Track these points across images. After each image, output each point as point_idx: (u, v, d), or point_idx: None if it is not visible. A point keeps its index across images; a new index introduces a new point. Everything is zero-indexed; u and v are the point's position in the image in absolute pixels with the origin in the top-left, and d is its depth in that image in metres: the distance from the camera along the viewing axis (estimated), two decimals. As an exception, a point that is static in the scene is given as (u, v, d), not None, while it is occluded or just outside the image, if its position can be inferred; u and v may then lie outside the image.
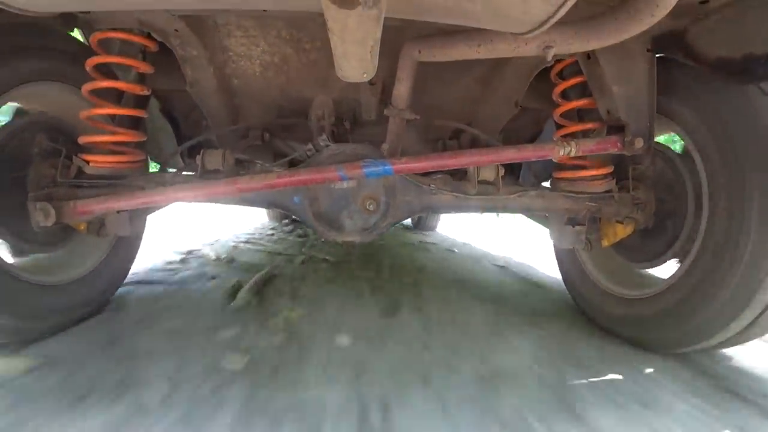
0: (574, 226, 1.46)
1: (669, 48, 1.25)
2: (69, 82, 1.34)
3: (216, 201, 1.42)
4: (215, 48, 1.39)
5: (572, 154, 1.28)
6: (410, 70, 1.29)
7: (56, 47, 1.31)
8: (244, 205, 1.44)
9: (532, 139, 2.04)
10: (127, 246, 1.69)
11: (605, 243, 1.54)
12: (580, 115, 1.48)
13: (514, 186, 1.46)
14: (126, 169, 1.39)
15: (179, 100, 1.78)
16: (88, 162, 1.34)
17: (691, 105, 1.29)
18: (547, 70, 1.48)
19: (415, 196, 1.42)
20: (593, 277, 1.70)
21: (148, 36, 1.30)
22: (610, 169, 1.45)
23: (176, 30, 1.28)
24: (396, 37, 1.25)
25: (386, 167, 1.26)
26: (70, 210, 1.28)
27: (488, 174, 1.41)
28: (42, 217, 1.25)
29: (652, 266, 1.53)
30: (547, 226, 1.64)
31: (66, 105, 1.39)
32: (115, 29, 1.26)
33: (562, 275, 1.94)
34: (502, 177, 1.43)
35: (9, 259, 1.33)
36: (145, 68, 1.33)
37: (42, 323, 1.29)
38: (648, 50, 1.26)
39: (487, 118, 1.74)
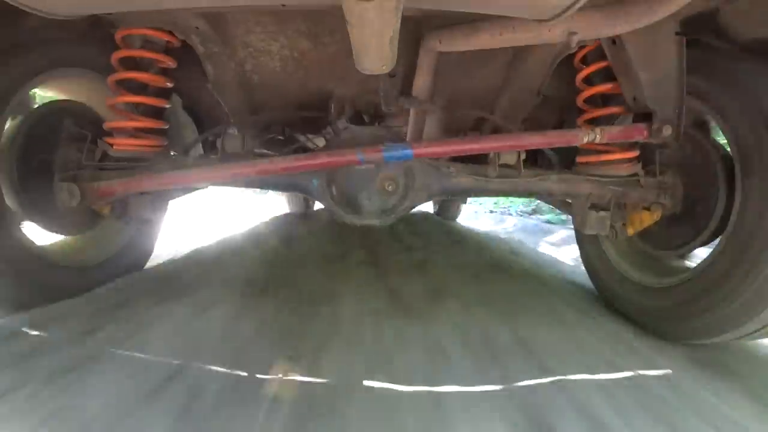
0: (597, 212, 1.42)
1: (700, 30, 1.20)
2: (95, 69, 1.38)
3: (235, 185, 1.43)
4: (235, 44, 1.40)
5: (597, 141, 1.25)
6: (431, 61, 1.28)
7: (83, 35, 1.35)
8: (263, 188, 1.46)
9: (555, 128, 2.00)
10: (149, 230, 1.75)
11: (630, 230, 1.49)
12: (604, 99, 1.44)
13: (535, 169, 1.43)
14: (149, 152, 1.43)
15: (201, 97, 1.80)
16: (112, 145, 1.38)
17: (723, 85, 1.23)
18: (570, 57, 1.45)
19: (434, 179, 1.40)
20: (617, 264, 1.66)
21: (171, 32, 1.32)
22: (635, 153, 1.41)
23: (197, 27, 1.29)
24: (415, 27, 1.24)
25: (406, 151, 1.25)
26: (95, 191, 1.32)
27: (509, 158, 1.38)
28: (67, 197, 1.29)
29: (678, 254, 1.49)
30: (568, 213, 1.60)
31: (92, 91, 1.43)
32: (138, 27, 1.29)
33: (584, 263, 1.89)
34: (523, 161, 1.40)
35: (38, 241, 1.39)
36: (168, 62, 1.37)
37: None
38: (677, 33, 1.21)
39: (509, 108, 1.71)
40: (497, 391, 1.01)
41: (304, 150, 1.68)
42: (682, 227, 1.42)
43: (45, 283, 1.29)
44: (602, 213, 1.42)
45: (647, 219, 1.44)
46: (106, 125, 1.38)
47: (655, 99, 1.25)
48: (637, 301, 1.52)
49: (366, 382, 1.01)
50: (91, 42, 1.37)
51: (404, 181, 1.38)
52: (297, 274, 1.88)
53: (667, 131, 1.24)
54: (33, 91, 1.32)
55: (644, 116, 1.29)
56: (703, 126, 1.38)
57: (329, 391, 0.97)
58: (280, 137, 1.75)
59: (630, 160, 1.40)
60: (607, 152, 1.42)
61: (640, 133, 1.27)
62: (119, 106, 1.36)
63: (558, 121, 1.98)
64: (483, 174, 1.40)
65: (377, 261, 2.19)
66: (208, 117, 1.91)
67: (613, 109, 1.37)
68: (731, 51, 1.21)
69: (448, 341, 1.24)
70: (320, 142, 1.81)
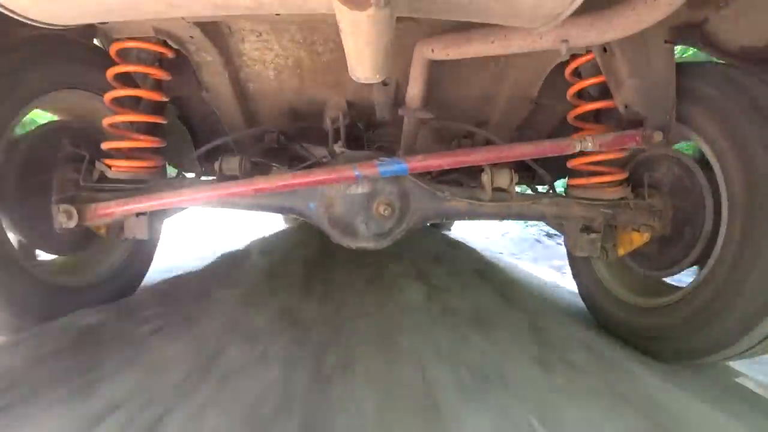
0: (589, 234, 1.44)
1: (688, 38, 1.22)
2: (92, 89, 1.38)
3: (232, 206, 1.43)
4: (230, 53, 1.41)
5: (589, 149, 1.26)
6: (424, 69, 1.29)
7: (81, 56, 1.36)
8: (260, 210, 1.46)
9: (549, 136, 2.01)
10: (145, 250, 1.74)
11: (621, 251, 1.51)
12: (596, 116, 1.46)
13: (528, 193, 1.45)
14: (146, 174, 1.43)
15: (196, 106, 1.81)
16: (110, 167, 1.38)
17: (710, 113, 1.25)
18: (563, 66, 1.46)
19: (429, 203, 1.41)
20: (608, 285, 1.66)
21: (165, 44, 1.33)
22: (625, 175, 1.43)
23: (191, 37, 1.30)
24: (409, 36, 1.25)
25: (401, 165, 1.26)
26: (92, 212, 1.32)
27: (502, 181, 1.40)
28: (65, 218, 1.29)
29: (668, 275, 1.49)
30: (562, 233, 1.61)
31: (89, 112, 1.43)
32: (132, 38, 1.30)
33: (577, 283, 1.90)
34: (516, 183, 1.42)
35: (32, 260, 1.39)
36: (162, 75, 1.37)
37: None
38: (666, 41, 1.23)
39: (502, 116, 1.72)
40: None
41: (300, 160, 1.69)
42: (672, 248, 1.43)
43: (37, 302, 1.27)
44: (593, 235, 1.44)
45: (637, 240, 1.46)
46: (104, 146, 1.38)
47: (646, 106, 1.26)
48: (629, 321, 1.52)
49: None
50: (88, 63, 1.38)
51: (400, 205, 1.39)
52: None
53: (658, 137, 1.25)
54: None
55: (636, 124, 1.30)
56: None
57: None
58: (275, 145, 1.76)
59: (620, 182, 1.42)
60: (597, 174, 1.43)
61: (633, 140, 1.28)
62: (117, 125, 1.37)
63: (552, 129, 2.00)
64: (477, 197, 1.41)
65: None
66: (203, 126, 1.91)
67: (606, 128, 1.38)
68: (711, 73, 1.23)
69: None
70: (315, 150, 1.81)
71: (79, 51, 1.35)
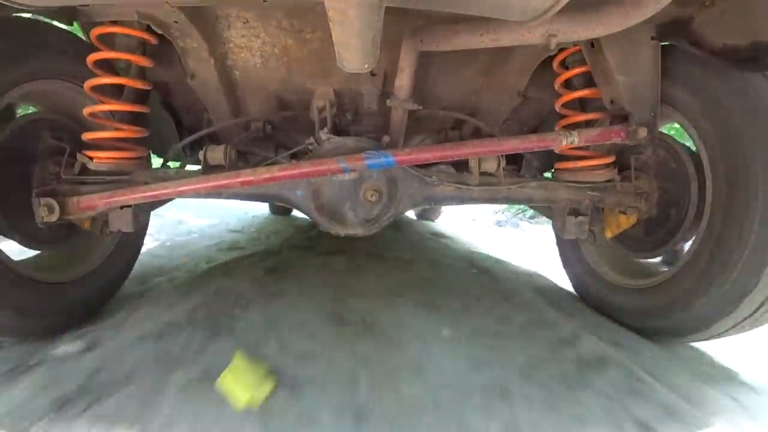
0: (576, 217, 1.46)
1: (674, 36, 1.23)
2: (71, 80, 1.34)
3: (218, 196, 1.41)
4: (215, 40, 1.38)
5: (575, 144, 1.27)
6: (412, 60, 1.28)
7: (58, 45, 1.31)
8: (246, 199, 1.44)
9: (535, 129, 2.03)
10: (131, 242, 1.70)
11: (608, 234, 1.53)
12: (582, 105, 1.47)
13: (516, 177, 1.46)
14: (129, 165, 1.40)
15: (180, 93, 1.77)
16: (91, 159, 1.34)
17: (694, 93, 1.27)
18: (550, 59, 1.47)
19: (417, 188, 1.41)
20: (596, 266, 1.69)
21: (148, 29, 1.30)
22: (611, 159, 1.45)
23: (176, 22, 1.27)
24: (398, 26, 1.24)
25: (388, 158, 1.26)
26: (74, 205, 1.29)
27: (490, 165, 1.40)
28: (46, 212, 1.25)
29: (654, 256, 1.53)
30: (549, 217, 1.63)
31: (69, 103, 1.39)
32: (114, 23, 1.26)
33: (564, 266, 1.93)
34: (504, 168, 1.42)
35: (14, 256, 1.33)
36: (145, 62, 1.34)
37: (45, 321, 1.29)
38: (653, 38, 1.24)
39: (490, 108, 1.72)
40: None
41: (286, 149, 1.67)
42: (658, 229, 1.46)
43: (18, 299, 1.21)
44: (581, 218, 1.45)
45: (624, 222, 1.49)
46: (85, 137, 1.34)
47: (631, 101, 1.28)
48: (618, 302, 1.56)
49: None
50: (69, 53, 1.33)
51: (387, 191, 1.39)
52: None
53: (642, 133, 1.27)
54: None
55: (621, 119, 1.32)
56: None
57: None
58: (261, 134, 1.73)
59: (606, 165, 1.44)
60: (584, 158, 1.45)
61: (618, 135, 1.30)
62: (98, 114, 1.33)
63: (538, 122, 2.01)
64: (465, 182, 1.42)
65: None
66: (187, 113, 1.88)
67: (592, 115, 1.40)
68: (699, 58, 1.25)
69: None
70: (301, 140, 1.80)
71: (57, 40, 1.31)
